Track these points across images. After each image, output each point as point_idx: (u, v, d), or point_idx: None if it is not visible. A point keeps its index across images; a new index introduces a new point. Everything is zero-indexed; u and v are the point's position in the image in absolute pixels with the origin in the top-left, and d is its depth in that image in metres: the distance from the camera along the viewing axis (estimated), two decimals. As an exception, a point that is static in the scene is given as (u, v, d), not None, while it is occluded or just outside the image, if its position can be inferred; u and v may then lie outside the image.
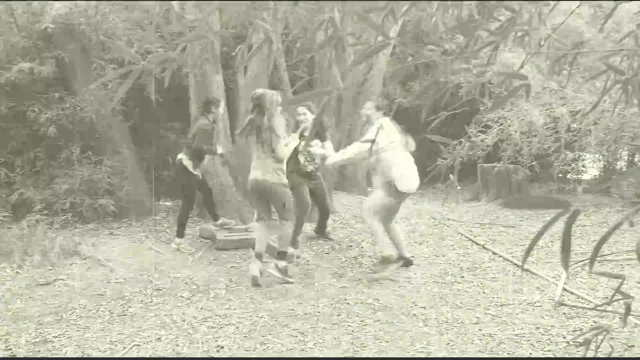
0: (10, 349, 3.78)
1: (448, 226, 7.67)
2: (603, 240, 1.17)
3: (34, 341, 3.91)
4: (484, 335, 3.99)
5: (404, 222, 7.90)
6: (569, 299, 4.68)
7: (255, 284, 5.02)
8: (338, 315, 4.39)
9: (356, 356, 3.65)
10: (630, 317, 3.99)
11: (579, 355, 3.59)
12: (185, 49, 1.97)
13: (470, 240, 6.89)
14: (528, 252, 1.11)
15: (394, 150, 5.23)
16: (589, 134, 7.44)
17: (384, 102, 5.60)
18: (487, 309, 4.53)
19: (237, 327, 4.13)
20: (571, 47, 1.87)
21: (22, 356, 3.69)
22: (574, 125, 7.11)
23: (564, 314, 4.37)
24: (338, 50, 1.56)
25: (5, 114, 6.79)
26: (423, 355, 3.66)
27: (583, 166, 10.34)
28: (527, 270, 5.54)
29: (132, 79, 1.74)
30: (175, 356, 3.67)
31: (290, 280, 5.14)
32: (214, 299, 4.76)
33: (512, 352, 3.69)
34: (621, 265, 5.57)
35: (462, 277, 5.44)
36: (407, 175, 5.30)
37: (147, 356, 3.66)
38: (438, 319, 4.33)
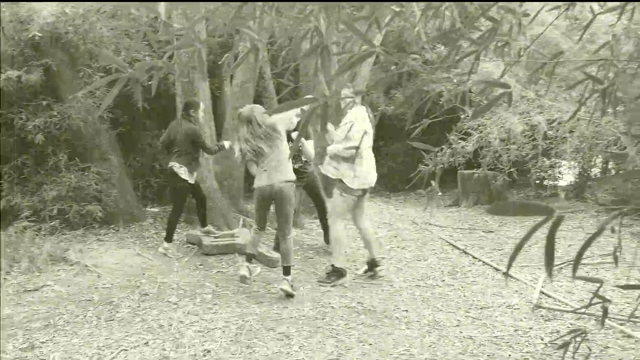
0: (-4, 355, 3.71)
1: (429, 231, 7.70)
2: (586, 245, 1.17)
3: (22, 347, 3.84)
4: (464, 337, 4.00)
5: (386, 227, 7.92)
6: (546, 302, 4.71)
7: (243, 281, 4.99)
8: (322, 319, 4.37)
9: (340, 359, 3.63)
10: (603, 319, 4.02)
11: (559, 357, 3.61)
12: (172, 57, 1.95)
13: (450, 244, 6.91)
14: (512, 258, 1.11)
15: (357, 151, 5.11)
16: (565, 141, 7.50)
17: (358, 90, 5.53)
18: (468, 312, 4.54)
19: (223, 331, 4.10)
20: (550, 58, 1.88)
21: (8, 362, 3.63)
22: (551, 133, 7.16)
23: (542, 316, 4.39)
24: (324, 59, 1.55)
25: (-7, 121, 6.70)
26: (405, 358, 3.65)
27: (559, 173, 10.43)
28: (505, 274, 5.57)
29: (120, 87, 1.72)
30: (162, 360, 3.63)
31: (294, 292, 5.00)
32: (201, 304, 4.72)
33: (492, 353, 3.70)
34: (596, 268, 5.62)
35: (443, 280, 5.46)
36: (360, 177, 5.17)
37: (134, 361, 3.62)
38: (420, 321, 4.33)
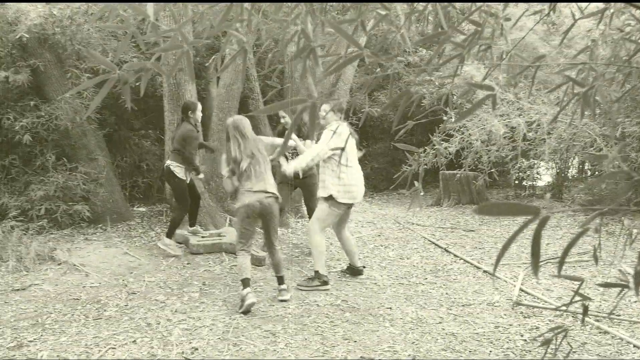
0: (-17, 354, 3.65)
1: (412, 230, 7.71)
2: (570, 245, 1.17)
3: (9, 346, 3.78)
4: (446, 334, 4.01)
5: (370, 226, 7.93)
6: (525, 299, 4.74)
7: (250, 308, 4.47)
8: (308, 317, 4.36)
9: (326, 356, 3.62)
10: (581, 316, 4.05)
11: (539, 353, 3.63)
12: (159, 58, 1.93)
13: (433, 243, 6.93)
14: (499, 259, 1.11)
15: (346, 166, 5.03)
16: (543, 143, 7.57)
17: (339, 106, 5.43)
18: (450, 309, 4.55)
19: (210, 329, 4.06)
20: (532, 61, 1.89)
21: (-5, 361, 3.56)
22: (530, 135, 7.22)
23: (521, 313, 4.42)
24: (312, 61, 1.53)
25: (-20, 121, 6.59)
26: (389, 354, 3.65)
27: (537, 173, 10.53)
28: (486, 272, 5.60)
29: (108, 88, 1.69)
30: (150, 358, 3.58)
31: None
32: (188, 302, 4.68)
33: (474, 349, 3.71)
34: (573, 266, 5.67)
35: (426, 278, 5.47)
36: (350, 192, 5.08)
37: (123, 359, 3.57)
38: (403, 318, 4.33)
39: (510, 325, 4.16)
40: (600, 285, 1.66)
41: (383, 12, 1.94)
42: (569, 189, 10.03)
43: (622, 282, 1.53)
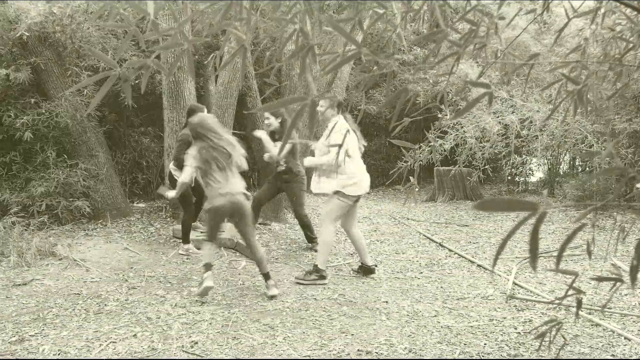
0: (-14, 348, 3.64)
1: (407, 225, 7.72)
2: (568, 240, 1.17)
3: (11, 340, 3.76)
4: (442, 327, 4.01)
5: (366, 221, 7.93)
6: (519, 293, 4.75)
7: (206, 293, 4.59)
8: (306, 310, 4.36)
9: (323, 349, 3.62)
10: (573, 309, 4.07)
11: (532, 345, 3.64)
12: (159, 56, 1.93)
13: (428, 238, 6.94)
14: (498, 254, 1.11)
15: (348, 156, 4.97)
16: (535, 140, 7.59)
17: (336, 101, 5.38)
18: (445, 303, 4.56)
19: (210, 323, 4.06)
20: (527, 59, 1.88)
21: (-2, 355, 3.55)
22: (523, 132, 7.23)
23: (515, 306, 4.43)
24: (310, 59, 1.53)
25: (-18, 118, 6.56)
26: (386, 347, 3.65)
27: (530, 169, 10.56)
28: (480, 266, 5.61)
29: (109, 85, 1.68)
30: (150, 351, 3.58)
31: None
32: (188, 296, 4.67)
33: (469, 342, 3.72)
34: (565, 260, 5.68)
35: (421, 273, 5.48)
36: (357, 183, 5.05)
37: (124, 352, 3.57)
38: (399, 312, 4.34)
39: (504, 318, 4.17)
40: (594, 279, 1.67)
41: (380, 11, 1.94)
42: (561, 185, 10.06)
43: (616, 276, 1.53)
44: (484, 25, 2.08)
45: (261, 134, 5.85)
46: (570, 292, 1.62)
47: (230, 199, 4.49)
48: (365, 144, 5.37)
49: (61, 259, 5.56)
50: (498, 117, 7.23)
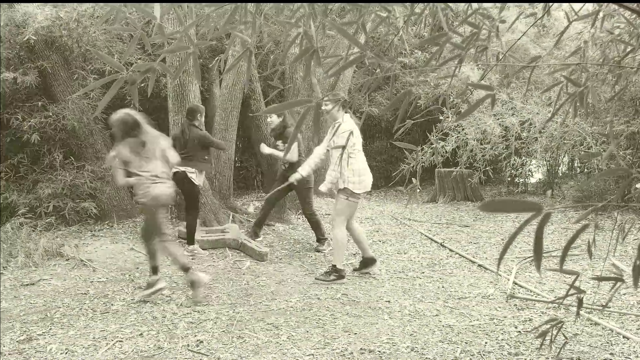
0: (-5, 347, 3.64)
1: (409, 226, 7.71)
2: (572, 240, 1.17)
3: (19, 339, 3.77)
4: (443, 326, 4.00)
5: (368, 222, 7.92)
6: (519, 292, 4.74)
7: (153, 294, 4.54)
8: (309, 310, 4.35)
9: (327, 348, 3.61)
10: (574, 308, 4.05)
11: (533, 344, 3.63)
12: (164, 60, 1.93)
13: (429, 239, 6.93)
14: (502, 255, 1.10)
15: (353, 154, 4.99)
16: (535, 141, 7.57)
17: (338, 98, 5.38)
18: (446, 302, 4.55)
19: (215, 322, 4.06)
20: (529, 62, 1.88)
21: (7, 353, 3.55)
22: (523, 134, 7.22)
23: (515, 305, 4.42)
24: (315, 62, 1.53)
25: (-10, 121, 6.58)
26: (388, 346, 3.65)
27: (529, 171, 10.54)
28: (481, 266, 5.60)
29: (117, 88, 1.68)
30: (157, 350, 3.58)
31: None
32: (193, 296, 4.67)
33: (470, 341, 3.71)
34: (565, 260, 5.66)
35: (423, 272, 5.47)
36: (363, 180, 5.08)
37: (130, 351, 3.56)
38: (402, 311, 4.33)
39: (505, 317, 4.15)
40: (595, 279, 1.66)
41: (383, 14, 1.94)
42: (560, 186, 10.05)
43: (617, 276, 1.53)
44: (485, 29, 2.07)
45: (268, 150, 5.99)
46: (571, 291, 1.62)
47: (161, 191, 4.44)
48: (363, 142, 5.40)
49: (68, 259, 5.57)
50: (498, 119, 7.22)
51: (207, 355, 3.50)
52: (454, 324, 4.03)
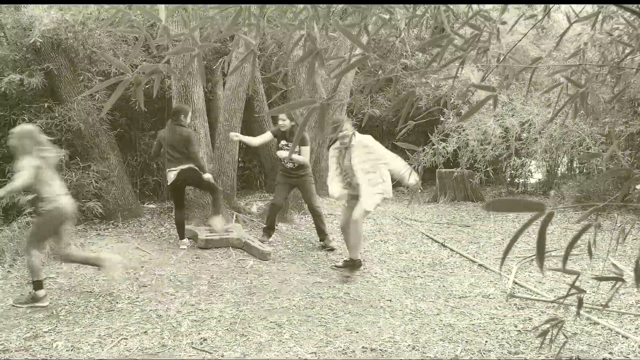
0: (2, 344, 3.64)
1: (410, 226, 7.70)
2: (574, 240, 1.16)
3: (26, 336, 3.77)
4: (444, 325, 4.00)
5: (370, 222, 7.91)
6: (519, 292, 4.73)
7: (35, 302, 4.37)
8: (312, 309, 4.35)
9: (329, 346, 3.61)
10: (573, 308, 4.04)
11: (532, 343, 3.62)
12: (169, 61, 1.93)
13: (430, 238, 6.92)
14: (505, 254, 1.10)
15: (385, 164, 5.15)
16: (535, 142, 7.56)
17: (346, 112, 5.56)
18: (447, 301, 4.54)
19: (218, 321, 4.06)
20: (530, 63, 1.87)
21: (13, 350, 3.55)
22: (523, 135, 7.21)
23: (515, 305, 4.41)
24: (318, 63, 1.52)
25: (-3, 122, 6.58)
26: (390, 344, 3.64)
27: (529, 171, 10.52)
28: (481, 265, 5.59)
29: (122, 89, 1.68)
30: (161, 347, 3.58)
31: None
32: (197, 295, 4.67)
33: (470, 340, 3.70)
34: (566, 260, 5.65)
35: (424, 272, 5.46)
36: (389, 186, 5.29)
37: (135, 348, 3.57)
38: (403, 310, 4.32)
39: (505, 316, 4.15)
40: (596, 278, 1.65)
41: (385, 16, 1.93)
42: (559, 186, 10.02)
43: (617, 276, 1.52)
44: (486, 31, 2.07)
45: (284, 153, 6.10)
46: (571, 291, 1.61)
47: (67, 202, 4.43)
48: None
49: (74, 258, 5.57)
50: (499, 120, 7.21)
51: (211, 353, 3.50)
52: (454, 323, 4.02)
